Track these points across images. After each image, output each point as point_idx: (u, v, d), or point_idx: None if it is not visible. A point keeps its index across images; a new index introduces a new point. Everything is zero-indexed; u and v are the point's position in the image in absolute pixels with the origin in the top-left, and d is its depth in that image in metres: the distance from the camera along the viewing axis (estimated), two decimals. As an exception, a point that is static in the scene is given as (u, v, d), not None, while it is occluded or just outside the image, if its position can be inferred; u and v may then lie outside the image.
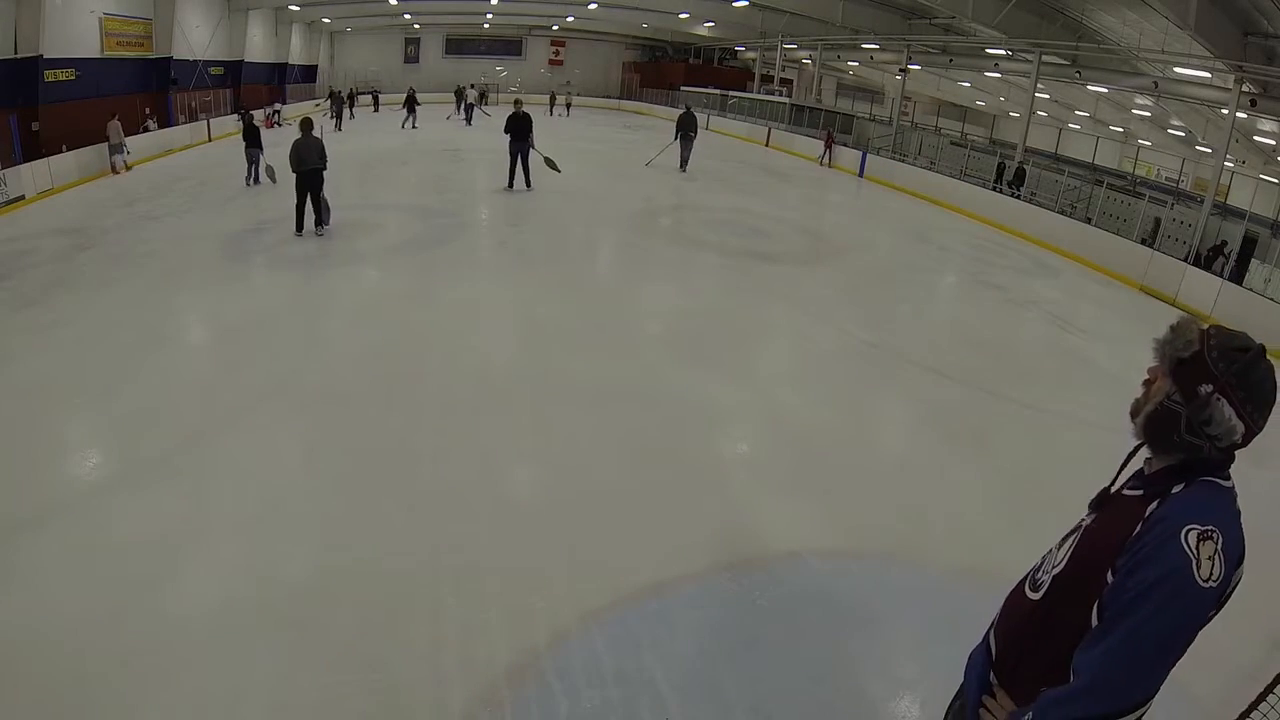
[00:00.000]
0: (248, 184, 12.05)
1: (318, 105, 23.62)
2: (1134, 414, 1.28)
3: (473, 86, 26.50)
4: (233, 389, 4.78)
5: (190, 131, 17.32)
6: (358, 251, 8.20)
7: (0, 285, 6.62)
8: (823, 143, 19.27)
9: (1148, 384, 1.25)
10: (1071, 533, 1.35)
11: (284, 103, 23.68)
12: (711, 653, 2.78)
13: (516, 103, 11.91)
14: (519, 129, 11.46)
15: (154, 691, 2.48)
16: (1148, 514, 1.17)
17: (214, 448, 4.06)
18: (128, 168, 13.16)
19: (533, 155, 11.74)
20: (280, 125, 20.81)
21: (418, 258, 8.11)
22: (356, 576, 3.09)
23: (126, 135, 13.25)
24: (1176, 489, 1.19)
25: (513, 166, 11.79)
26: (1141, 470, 1.31)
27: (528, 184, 11.91)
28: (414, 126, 21.50)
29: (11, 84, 12.63)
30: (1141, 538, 1.14)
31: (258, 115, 15.77)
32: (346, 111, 22.81)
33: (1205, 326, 1.21)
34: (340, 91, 23.68)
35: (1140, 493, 1.23)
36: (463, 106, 24.84)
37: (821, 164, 18.85)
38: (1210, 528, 1.13)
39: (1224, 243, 10.97)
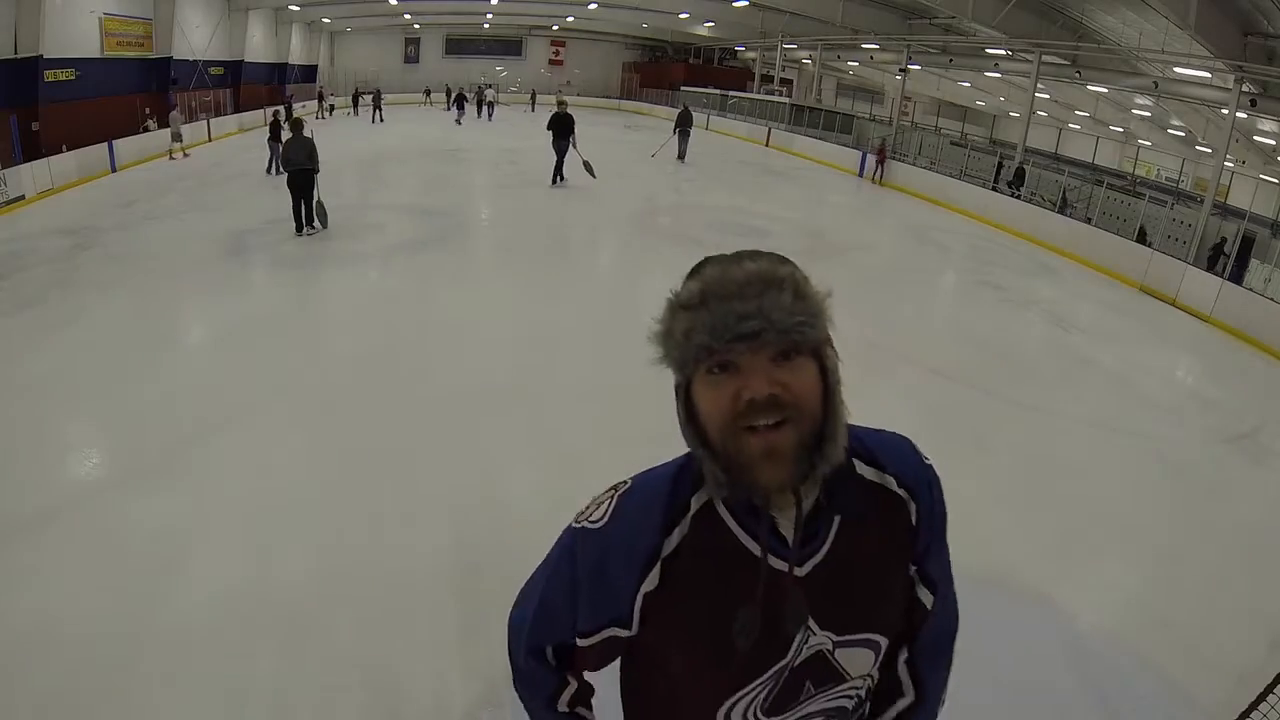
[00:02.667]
0: (269, 173, 12.77)
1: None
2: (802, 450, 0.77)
3: (490, 86, 27.84)
4: (233, 389, 4.78)
5: (190, 132, 17.24)
6: (358, 252, 8.20)
7: (0, 285, 6.63)
8: (874, 158, 16.85)
9: (777, 387, 0.74)
10: (774, 664, 0.84)
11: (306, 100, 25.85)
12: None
13: (560, 103, 12.40)
14: (561, 128, 11.90)
15: (154, 691, 2.48)
16: (906, 508, 0.89)
17: (214, 448, 4.06)
18: (185, 154, 15.08)
19: (570, 154, 12.07)
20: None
21: (418, 258, 8.11)
22: (356, 576, 3.09)
23: (126, 136, 13.53)
24: (859, 464, 0.88)
25: (559, 163, 12.24)
26: (767, 520, 0.82)
27: (554, 179, 12.29)
28: (461, 123, 23.53)
29: (11, 84, 12.62)
30: (918, 517, 0.89)
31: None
32: (353, 110, 26.03)
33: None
34: (379, 90, 26.07)
35: (836, 519, 0.84)
36: (480, 105, 26.37)
37: (873, 180, 16.70)
38: (908, 439, 0.94)
39: (1223, 240, 10.95)
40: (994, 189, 14.43)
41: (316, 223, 8.75)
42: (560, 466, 4.08)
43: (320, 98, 26.02)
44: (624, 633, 0.87)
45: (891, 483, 0.89)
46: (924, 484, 0.91)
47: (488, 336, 6.06)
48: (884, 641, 0.91)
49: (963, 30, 17.83)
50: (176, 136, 14.87)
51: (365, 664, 2.64)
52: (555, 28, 36.12)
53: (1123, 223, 12.13)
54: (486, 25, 35.58)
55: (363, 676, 2.59)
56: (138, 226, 9.10)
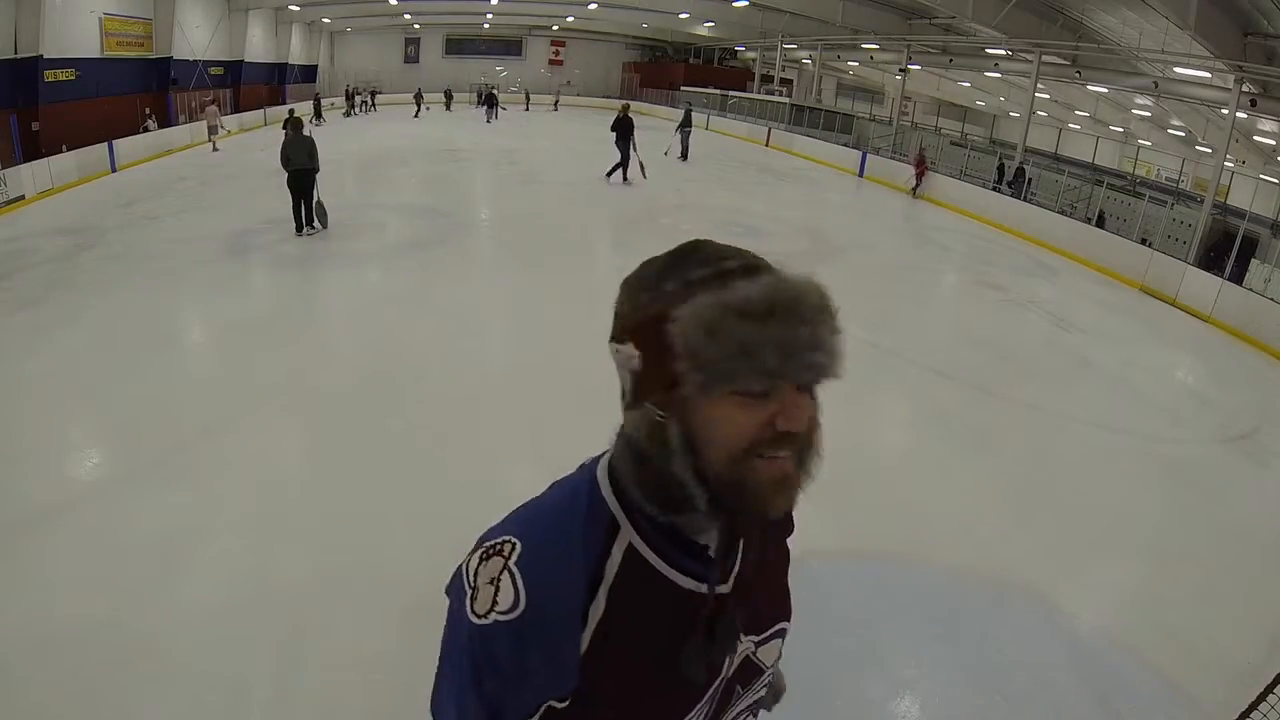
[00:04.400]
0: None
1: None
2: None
3: (495, 88, 28.67)
4: (233, 389, 4.78)
5: (190, 131, 17.29)
6: (358, 251, 8.19)
7: (0, 285, 6.63)
8: (912, 168, 15.31)
9: (812, 422, 0.69)
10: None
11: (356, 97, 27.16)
12: (712, 653, 2.77)
13: (624, 107, 12.95)
14: (624, 130, 12.59)
15: (153, 692, 2.48)
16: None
17: (214, 448, 4.06)
18: (215, 147, 15.92)
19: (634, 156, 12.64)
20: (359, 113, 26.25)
21: (418, 258, 8.11)
22: (357, 576, 3.09)
23: (125, 136, 13.60)
24: None
25: (624, 163, 12.85)
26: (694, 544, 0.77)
27: (624, 177, 12.85)
28: (490, 121, 24.34)
29: (11, 84, 12.64)
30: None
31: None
32: (352, 110, 26.73)
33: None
34: (420, 90, 27.79)
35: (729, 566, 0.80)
36: (488, 105, 26.97)
37: (912, 195, 15.09)
38: None
39: (1226, 235, 10.96)
40: (995, 189, 14.43)
41: (316, 223, 8.74)
42: (562, 466, 4.04)
43: (348, 95, 26.75)
44: (562, 703, 0.74)
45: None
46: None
47: (489, 336, 6.07)
48: (788, 626, 0.93)
49: (963, 30, 17.84)
50: (214, 129, 16.21)
51: (366, 663, 2.64)
52: (555, 28, 36.11)
53: (1123, 223, 12.15)
54: (486, 25, 35.57)
55: (363, 676, 2.59)
56: (138, 226, 9.10)
